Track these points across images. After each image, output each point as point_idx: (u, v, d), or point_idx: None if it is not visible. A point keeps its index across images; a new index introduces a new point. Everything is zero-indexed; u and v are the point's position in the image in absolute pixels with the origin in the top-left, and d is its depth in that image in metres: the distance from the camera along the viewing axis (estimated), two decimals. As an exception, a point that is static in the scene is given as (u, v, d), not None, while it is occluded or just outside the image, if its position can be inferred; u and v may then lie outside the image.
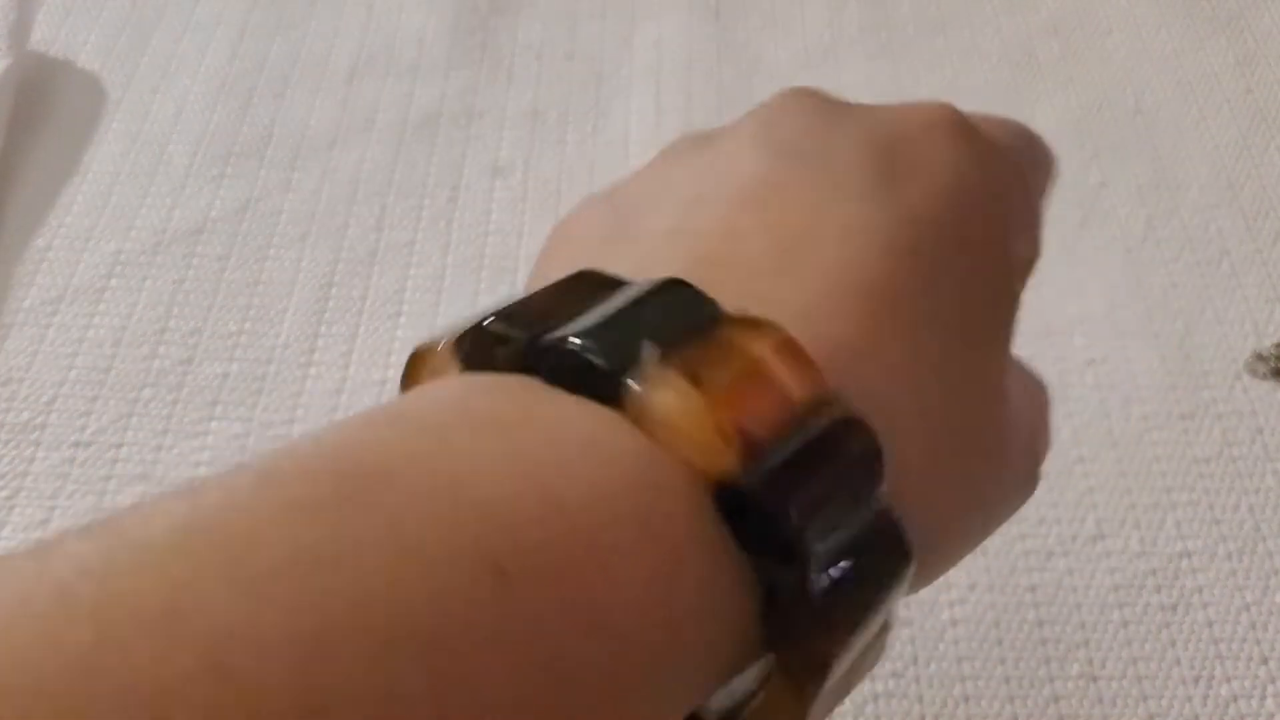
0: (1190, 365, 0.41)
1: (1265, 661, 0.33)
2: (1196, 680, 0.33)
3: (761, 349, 0.16)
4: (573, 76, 0.52)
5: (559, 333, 0.16)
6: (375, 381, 0.40)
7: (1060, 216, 0.46)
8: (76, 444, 0.37)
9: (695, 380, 0.15)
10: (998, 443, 0.20)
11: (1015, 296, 0.21)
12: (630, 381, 0.15)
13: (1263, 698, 0.33)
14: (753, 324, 0.16)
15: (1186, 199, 0.46)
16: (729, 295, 0.16)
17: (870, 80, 0.50)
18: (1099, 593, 0.35)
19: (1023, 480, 0.22)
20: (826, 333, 0.17)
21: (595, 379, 0.15)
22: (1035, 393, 0.23)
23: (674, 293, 0.16)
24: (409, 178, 0.47)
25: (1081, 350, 0.41)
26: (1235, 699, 0.32)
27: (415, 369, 0.17)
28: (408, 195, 0.46)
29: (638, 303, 0.16)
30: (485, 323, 0.16)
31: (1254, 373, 0.40)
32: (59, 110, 0.49)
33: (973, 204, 0.20)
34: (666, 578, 0.14)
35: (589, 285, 0.17)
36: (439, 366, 0.17)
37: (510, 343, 0.16)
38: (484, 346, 0.16)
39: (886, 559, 0.16)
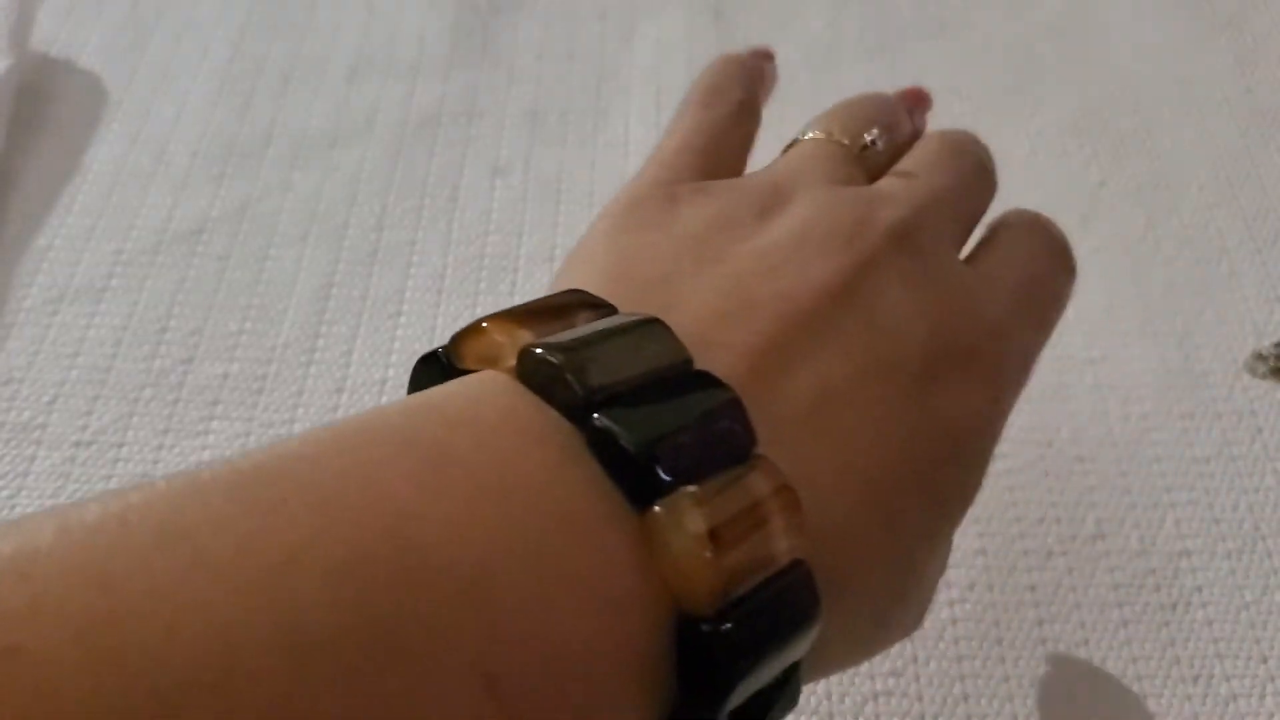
0: (1190, 365, 0.41)
1: (1265, 660, 0.33)
2: (1196, 679, 0.33)
3: (766, 492, 0.16)
4: (573, 76, 0.52)
5: (619, 417, 0.16)
6: (375, 381, 0.40)
7: (1060, 216, 0.46)
8: (77, 443, 0.37)
9: (714, 535, 0.15)
10: (914, 601, 0.21)
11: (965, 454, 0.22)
12: (658, 508, 0.15)
13: (1262, 696, 0.33)
14: (766, 464, 0.17)
15: (1186, 198, 0.46)
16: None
17: (870, 80, 0.50)
18: (1098, 592, 0.35)
19: (907, 631, 0.23)
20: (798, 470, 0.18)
21: (627, 466, 0.16)
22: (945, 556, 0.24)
23: (733, 414, 0.17)
24: (409, 177, 0.47)
25: (1081, 349, 0.41)
26: (1235, 698, 0.33)
27: (471, 341, 0.18)
28: (408, 195, 0.46)
29: (707, 415, 0.17)
30: (541, 351, 0.17)
31: (1254, 372, 0.40)
32: (60, 110, 0.49)
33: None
34: (628, 701, 0.15)
35: (658, 346, 0.17)
36: (498, 354, 0.17)
37: (562, 380, 0.16)
38: (539, 364, 0.16)
39: (787, 696, 0.17)
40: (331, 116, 0.49)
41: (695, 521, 0.15)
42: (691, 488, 0.16)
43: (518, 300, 0.44)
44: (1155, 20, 0.54)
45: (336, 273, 0.43)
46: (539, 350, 0.16)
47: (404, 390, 0.44)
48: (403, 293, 0.43)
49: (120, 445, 0.37)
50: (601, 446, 0.16)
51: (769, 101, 0.30)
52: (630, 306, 0.19)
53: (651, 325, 0.18)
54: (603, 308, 0.19)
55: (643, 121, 0.49)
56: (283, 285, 0.43)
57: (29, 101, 0.48)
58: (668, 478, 0.16)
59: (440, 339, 0.42)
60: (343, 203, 0.46)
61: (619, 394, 0.16)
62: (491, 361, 0.17)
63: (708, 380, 0.17)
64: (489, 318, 0.18)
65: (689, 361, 0.18)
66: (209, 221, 0.45)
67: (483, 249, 0.44)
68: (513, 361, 0.17)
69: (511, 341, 0.17)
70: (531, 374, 0.16)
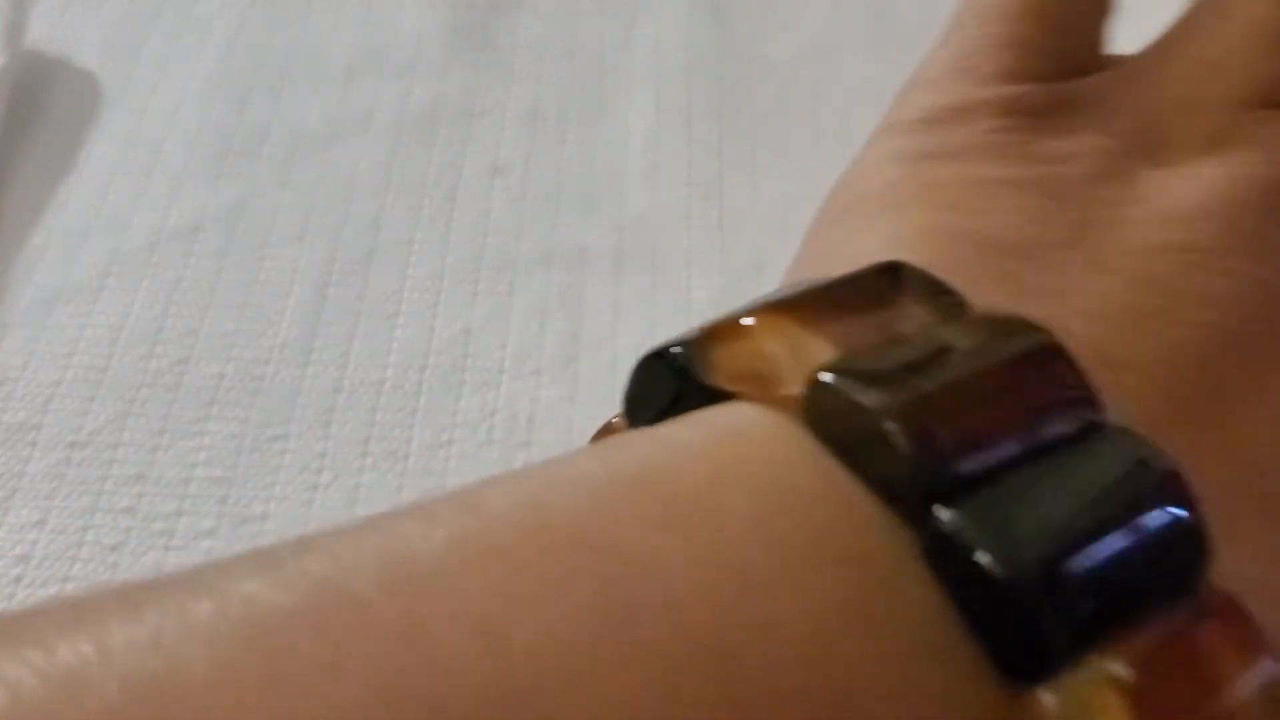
0: (1192, 366, 0.40)
1: (1268, 664, 0.33)
2: (1199, 683, 0.33)
3: (1232, 672, 0.10)
4: (572, 75, 0.51)
5: (983, 514, 0.09)
6: (373, 382, 0.40)
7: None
8: (73, 444, 0.37)
9: None
10: None
11: None
12: (1047, 696, 0.09)
13: (1266, 701, 0.32)
14: (1236, 611, 0.10)
15: (1188, 199, 0.46)
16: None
17: (871, 80, 0.50)
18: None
19: None
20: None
21: (992, 607, 0.09)
22: None
23: (1182, 538, 0.10)
24: (407, 176, 0.47)
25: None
26: (1238, 702, 0.32)
27: (726, 344, 0.11)
28: (406, 194, 0.46)
29: (1140, 548, 0.09)
30: (845, 384, 0.10)
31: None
32: (55, 108, 0.48)
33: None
34: None
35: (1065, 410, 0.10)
36: (768, 371, 0.11)
37: (892, 447, 0.09)
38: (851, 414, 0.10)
39: None
40: (329, 115, 0.49)
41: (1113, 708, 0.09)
42: (1116, 667, 0.09)
43: (517, 300, 0.44)
44: (1156, 20, 0.54)
45: (333, 273, 0.43)
46: (840, 382, 0.10)
47: (403, 393, 0.43)
48: (400, 293, 0.42)
49: (116, 446, 0.37)
50: (949, 566, 0.09)
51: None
52: (980, 286, 0.12)
53: (1045, 355, 0.10)
54: (942, 293, 0.12)
55: (643, 120, 0.49)
56: (279, 285, 0.42)
57: (24, 99, 0.48)
58: (1064, 637, 0.09)
59: (440, 339, 0.42)
60: (340, 202, 0.46)
61: (985, 471, 0.09)
62: (757, 381, 0.11)
63: (1130, 442, 0.10)
64: (758, 309, 0.11)
65: (1095, 401, 0.10)
66: (205, 220, 0.45)
67: (481, 249, 0.44)
68: (795, 387, 0.10)
69: (792, 353, 0.10)
70: (827, 420, 0.10)
